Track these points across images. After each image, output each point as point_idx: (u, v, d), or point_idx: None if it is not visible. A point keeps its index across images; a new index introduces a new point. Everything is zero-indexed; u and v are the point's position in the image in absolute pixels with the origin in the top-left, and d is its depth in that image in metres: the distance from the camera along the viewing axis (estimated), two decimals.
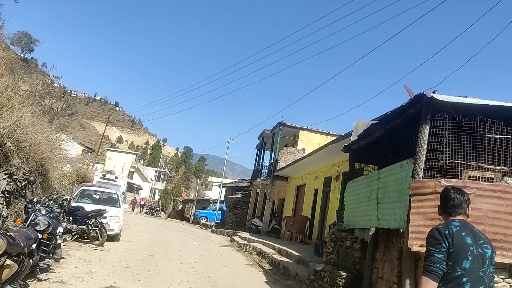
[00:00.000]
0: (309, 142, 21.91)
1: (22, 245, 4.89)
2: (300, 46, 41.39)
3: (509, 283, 5.43)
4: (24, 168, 8.34)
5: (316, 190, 16.46)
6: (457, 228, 2.50)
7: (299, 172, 19.03)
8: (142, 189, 62.46)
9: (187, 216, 40.70)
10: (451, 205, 2.67)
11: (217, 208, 31.16)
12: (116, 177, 31.53)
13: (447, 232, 2.47)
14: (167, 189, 56.65)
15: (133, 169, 66.81)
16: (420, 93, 5.70)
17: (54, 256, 7.01)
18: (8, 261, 4.67)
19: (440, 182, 5.34)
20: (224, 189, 38.20)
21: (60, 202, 8.77)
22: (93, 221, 10.87)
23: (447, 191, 2.76)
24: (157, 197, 63.49)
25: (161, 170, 67.59)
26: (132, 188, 57.28)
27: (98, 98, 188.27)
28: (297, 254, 11.14)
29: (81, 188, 13.78)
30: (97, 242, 10.81)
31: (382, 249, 6.59)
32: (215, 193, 56.45)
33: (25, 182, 7.91)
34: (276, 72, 52.14)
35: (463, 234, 2.48)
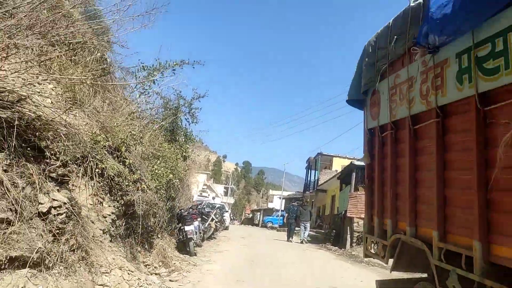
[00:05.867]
0: (339, 165, 31.97)
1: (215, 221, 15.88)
2: None
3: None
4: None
5: None
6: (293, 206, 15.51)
7: (332, 186, 29.18)
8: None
9: (256, 223, 51.69)
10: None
11: (280, 215, 41.80)
12: (209, 195, 43.42)
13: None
14: (236, 202, 68.37)
15: (205, 187, 79.56)
16: (351, 162, 16.08)
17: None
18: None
19: (357, 192, 15.68)
20: (283, 200, 48.73)
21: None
22: (219, 218, 21.97)
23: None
24: (228, 211, 75.63)
25: (229, 186, 79.65)
26: None
27: None
28: (322, 231, 21.49)
29: (206, 202, 25.09)
30: (221, 229, 21.88)
31: (345, 219, 16.94)
32: (276, 203, 67.21)
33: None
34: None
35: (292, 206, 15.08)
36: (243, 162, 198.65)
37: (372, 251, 4.60)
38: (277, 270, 9.10)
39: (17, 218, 4.22)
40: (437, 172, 3.15)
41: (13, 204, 4.26)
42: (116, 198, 7.05)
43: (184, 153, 10.26)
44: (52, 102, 5.56)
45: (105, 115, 7.69)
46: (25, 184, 4.60)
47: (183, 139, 10.55)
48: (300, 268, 9.83)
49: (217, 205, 25.03)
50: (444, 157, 3.12)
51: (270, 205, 70.84)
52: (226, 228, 23.59)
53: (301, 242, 17.17)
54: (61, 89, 6.73)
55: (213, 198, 37.65)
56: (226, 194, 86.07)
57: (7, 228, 4.11)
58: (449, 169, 3.07)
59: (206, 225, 14.66)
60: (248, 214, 61.77)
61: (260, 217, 51.17)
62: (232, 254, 11.70)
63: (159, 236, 9.21)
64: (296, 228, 19.34)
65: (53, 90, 5.95)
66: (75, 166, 6.21)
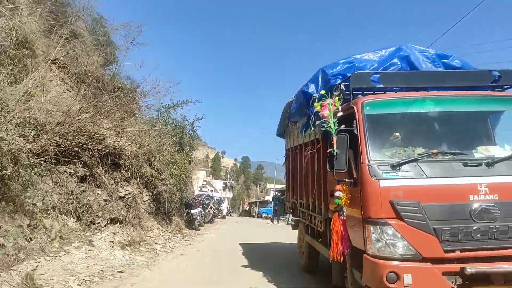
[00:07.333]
0: None
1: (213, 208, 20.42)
2: None
3: None
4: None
5: None
6: (277, 195, 18.50)
7: None
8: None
9: (253, 214, 56.35)
10: None
11: (273, 206, 46.46)
12: (208, 189, 48.16)
13: None
14: (235, 196, 73.09)
15: (205, 183, 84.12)
16: None
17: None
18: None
19: None
20: (277, 192, 53.34)
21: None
22: (217, 206, 26.50)
23: None
24: (225, 203, 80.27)
25: (228, 182, 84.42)
26: None
27: None
28: None
29: (206, 194, 29.66)
30: (219, 216, 26.42)
31: None
32: (272, 196, 72.03)
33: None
34: None
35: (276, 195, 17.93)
36: (242, 158, 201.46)
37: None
38: (251, 236, 13.65)
39: (111, 199, 8.72)
40: (299, 172, 7.63)
41: (109, 193, 8.75)
42: (150, 190, 11.52)
43: (189, 159, 14.72)
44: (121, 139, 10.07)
45: (140, 138, 12.15)
46: (113, 182, 9.11)
47: (188, 149, 14.99)
48: (267, 236, 14.38)
49: (216, 197, 29.58)
50: (301, 166, 7.58)
51: (267, 198, 75.48)
52: (224, 217, 28.17)
53: (287, 224, 21.55)
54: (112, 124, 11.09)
55: (211, 191, 42.32)
56: (225, 189, 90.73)
57: (108, 204, 8.60)
58: (303, 171, 7.52)
59: (206, 211, 19.13)
60: (246, 207, 66.50)
61: (256, 209, 55.83)
62: (225, 230, 16.26)
63: (175, 215, 13.73)
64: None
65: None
66: (124, 171, 10.63)
